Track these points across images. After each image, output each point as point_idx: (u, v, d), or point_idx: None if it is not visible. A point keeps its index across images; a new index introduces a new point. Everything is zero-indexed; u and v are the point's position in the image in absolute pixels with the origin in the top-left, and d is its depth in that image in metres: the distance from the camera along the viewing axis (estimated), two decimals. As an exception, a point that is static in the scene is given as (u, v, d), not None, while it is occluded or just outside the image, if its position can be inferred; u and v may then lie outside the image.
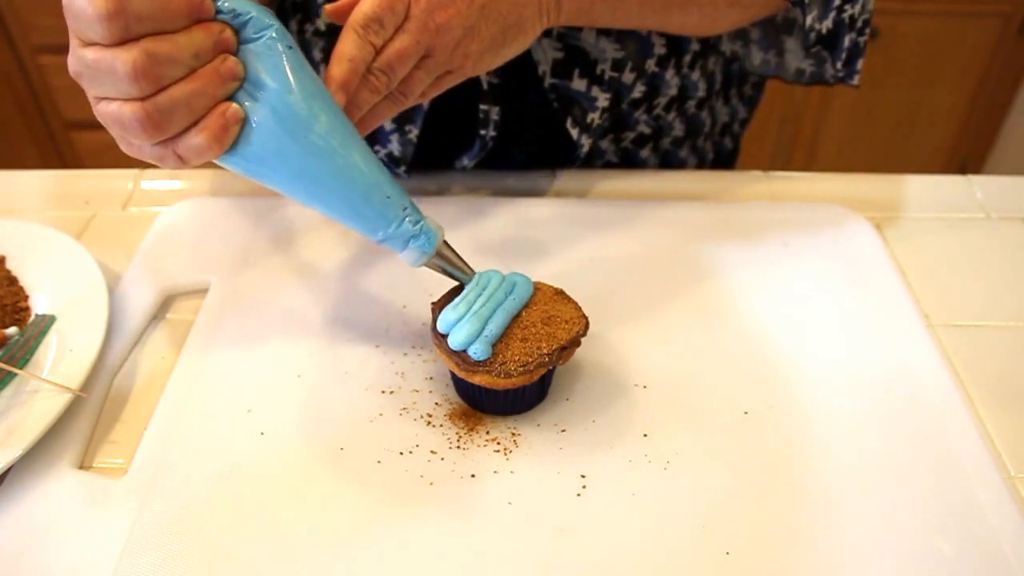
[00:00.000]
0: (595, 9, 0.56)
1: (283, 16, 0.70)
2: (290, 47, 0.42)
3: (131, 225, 0.68)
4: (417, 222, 0.46)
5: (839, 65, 0.66)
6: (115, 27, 0.37)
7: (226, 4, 0.41)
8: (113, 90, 0.39)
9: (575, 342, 0.48)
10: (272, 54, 0.42)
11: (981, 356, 0.56)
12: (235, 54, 0.41)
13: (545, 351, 0.46)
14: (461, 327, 0.46)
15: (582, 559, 0.43)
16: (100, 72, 0.38)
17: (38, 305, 0.57)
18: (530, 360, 0.46)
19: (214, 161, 0.43)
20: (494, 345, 0.46)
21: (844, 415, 0.50)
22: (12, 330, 0.53)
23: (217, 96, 0.41)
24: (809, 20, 0.61)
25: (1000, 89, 1.72)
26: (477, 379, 0.47)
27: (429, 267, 0.48)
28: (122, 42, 0.38)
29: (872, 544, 0.43)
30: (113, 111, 0.39)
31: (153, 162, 0.42)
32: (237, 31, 0.41)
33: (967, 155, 1.84)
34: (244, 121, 0.42)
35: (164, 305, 0.60)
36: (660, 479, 0.47)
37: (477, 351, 0.46)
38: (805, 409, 0.51)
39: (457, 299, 0.48)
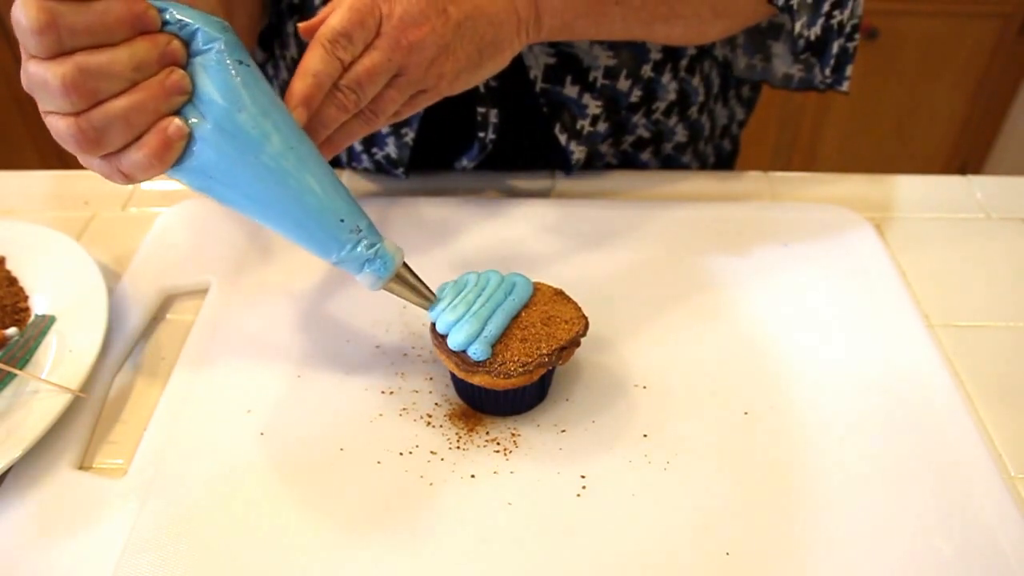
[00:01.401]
0: (577, 25, 0.55)
1: (280, 17, 0.69)
2: (241, 62, 0.40)
3: (131, 225, 0.68)
4: (372, 245, 0.44)
5: (828, 71, 0.65)
6: (47, 40, 0.36)
7: (174, 15, 0.39)
8: (51, 104, 0.38)
9: (575, 342, 0.48)
10: (220, 68, 0.40)
11: (981, 356, 0.56)
12: (185, 67, 0.40)
13: (545, 351, 0.46)
14: (460, 327, 0.46)
15: (582, 559, 0.43)
16: (37, 86, 0.37)
17: (38, 305, 0.57)
18: (530, 360, 0.46)
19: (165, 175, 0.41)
20: (494, 345, 0.46)
21: (844, 415, 0.50)
22: (12, 330, 0.53)
23: (160, 111, 0.39)
24: (798, 27, 0.61)
25: (1000, 89, 1.71)
26: (477, 379, 0.47)
27: (389, 291, 0.47)
28: (56, 55, 0.37)
29: (872, 544, 0.43)
30: (53, 125, 0.39)
31: (103, 176, 0.41)
32: (187, 43, 0.40)
33: (967, 155, 1.84)
34: (190, 137, 0.40)
35: (164, 305, 0.60)
36: (660, 479, 0.47)
37: (477, 351, 0.46)
38: (805, 409, 0.51)
39: (456, 299, 0.48)
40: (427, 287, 0.48)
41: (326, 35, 0.44)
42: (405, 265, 0.47)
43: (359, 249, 0.44)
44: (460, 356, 0.47)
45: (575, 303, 0.50)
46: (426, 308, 0.48)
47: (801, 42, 0.62)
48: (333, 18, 0.44)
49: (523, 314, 0.48)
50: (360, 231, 0.44)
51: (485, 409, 0.50)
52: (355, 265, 0.45)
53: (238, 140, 0.40)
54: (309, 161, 0.42)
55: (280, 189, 0.42)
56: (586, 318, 0.49)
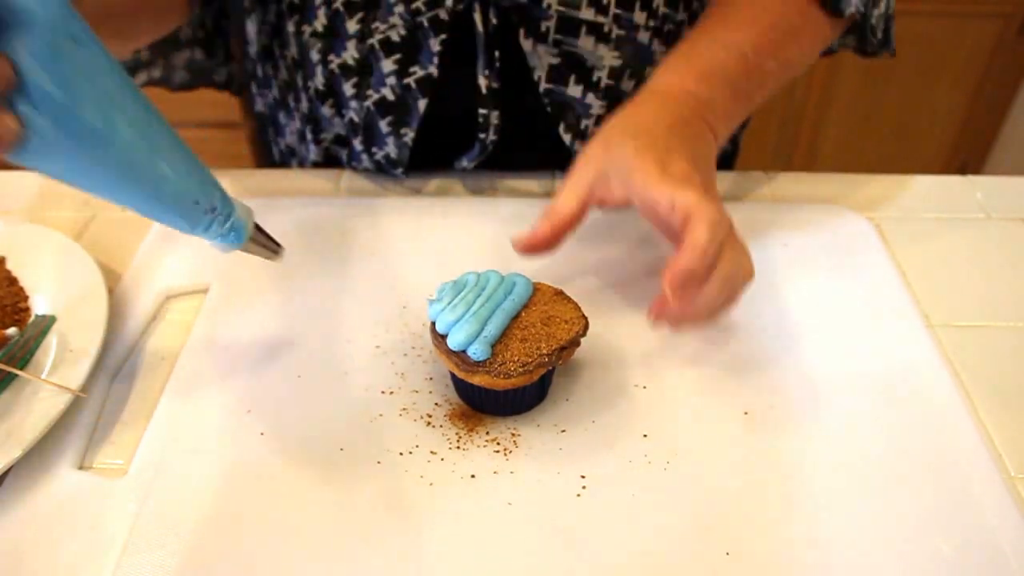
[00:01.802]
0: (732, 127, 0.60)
1: (280, 17, 0.69)
2: (74, 38, 0.35)
3: (131, 225, 0.68)
4: (227, 220, 0.45)
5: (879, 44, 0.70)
6: None
7: None
8: None
9: (575, 342, 0.48)
10: (48, 51, 0.34)
11: (981, 356, 0.56)
12: (5, 51, 0.34)
13: (544, 351, 0.46)
14: (460, 328, 0.46)
15: (582, 559, 0.43)
16: None
17: (38, 306, 0.57)
18: (530, 360, 0.46)
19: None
20: (493, 346, 0.46)
21: (844, 415, 0.50)
22: (12, 331, 0.53)
23: None
24: (874, 42, 0.67)
25: (1000, 89, 1.71)
26: (477, 379, 0.47)
27: (244, 251, 0.48)
28: None
29: (872, 544, 0.43)
30: None
31: None
32: (5, 21, 0.33)
33: (967, 155, 1.84)
34: (25, 130, 0.35)
35: (164, 306, 0.60)
36: (660, 479, 0.47)
37: (476, 351, 0.46)
38: (805, 409, 0.51)
39: (456, 299, 0.48)
40: (274, 241, 0.50)
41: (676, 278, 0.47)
42: (256, 225, 0.48)
43: (214, 227, 0.45)
44: (460, 356, 0.47)
45: (575, 303, 0.50)
46: (273, 260, 0.50)
47: (871, 47, 0.68)
48: (695, 260, 0.47)
49: (523, 314, 0.48)
50: (215, 210, 0.44)
51: (485, 409, 0.50)
52: (211, 238, 0.46)
53: (78, 135, 0.36)
54: (160, 146, 0.40)
55: (132, 180, 0.40)
56: (586, 318, 0.49)
